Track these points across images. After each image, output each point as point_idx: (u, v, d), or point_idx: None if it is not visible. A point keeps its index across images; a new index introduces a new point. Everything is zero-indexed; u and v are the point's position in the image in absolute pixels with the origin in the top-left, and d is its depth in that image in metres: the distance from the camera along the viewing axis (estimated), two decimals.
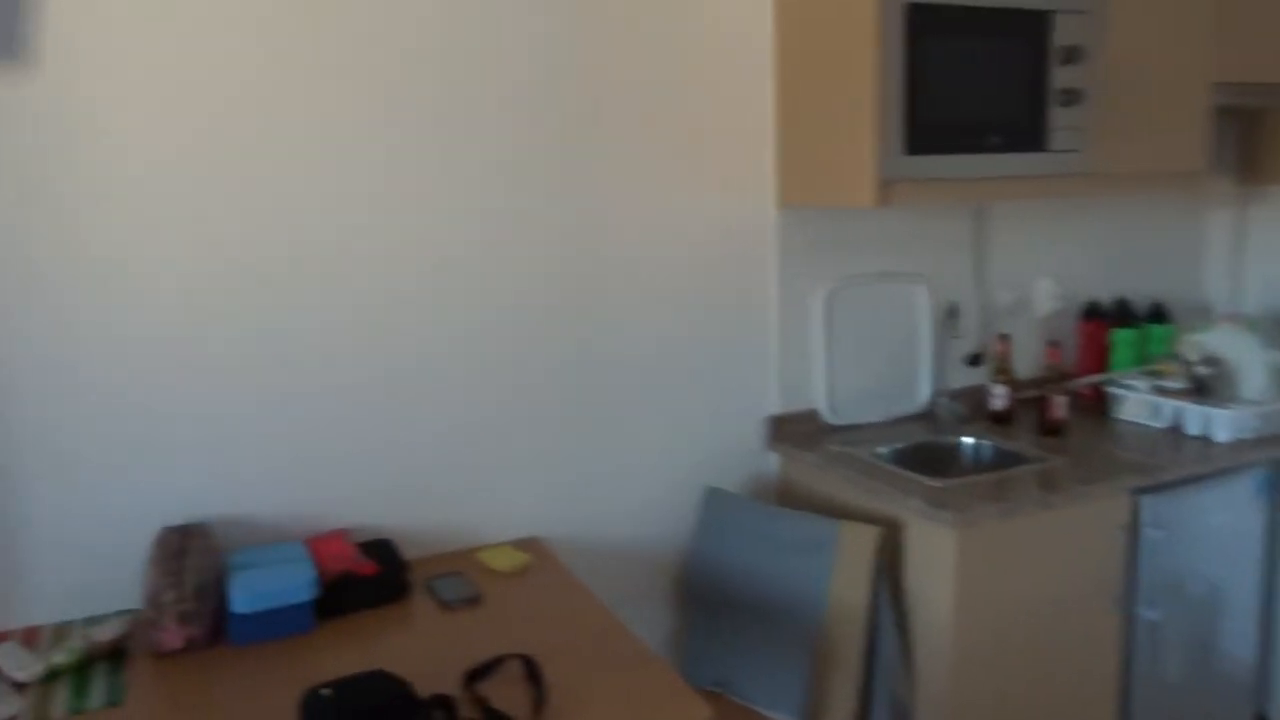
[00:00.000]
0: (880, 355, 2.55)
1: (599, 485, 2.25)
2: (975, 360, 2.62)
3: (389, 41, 1.93)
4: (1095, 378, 2.72)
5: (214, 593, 1.68)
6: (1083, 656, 2.15)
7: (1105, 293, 2.93)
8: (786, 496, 2.42)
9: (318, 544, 1.86)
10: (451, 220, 2.03)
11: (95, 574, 1.82)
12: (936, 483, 2.08)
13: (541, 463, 2.18)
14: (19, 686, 1.54)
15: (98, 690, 1.52)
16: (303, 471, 1.96)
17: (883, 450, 2.34)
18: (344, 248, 1.94)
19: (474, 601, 1.81)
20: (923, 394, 2.62)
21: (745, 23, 2.27)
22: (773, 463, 2.45)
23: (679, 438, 2.33)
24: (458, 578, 1.91)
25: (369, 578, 1.79)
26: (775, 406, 2.43)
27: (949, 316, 2.46)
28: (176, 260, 1.81)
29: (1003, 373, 2.53)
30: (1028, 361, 2.80)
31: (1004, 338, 2.54)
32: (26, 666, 1.57)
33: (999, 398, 2.53)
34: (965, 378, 2.68)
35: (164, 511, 1.85)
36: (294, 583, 1.68)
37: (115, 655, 1.64)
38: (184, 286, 1.82)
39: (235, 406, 1.88)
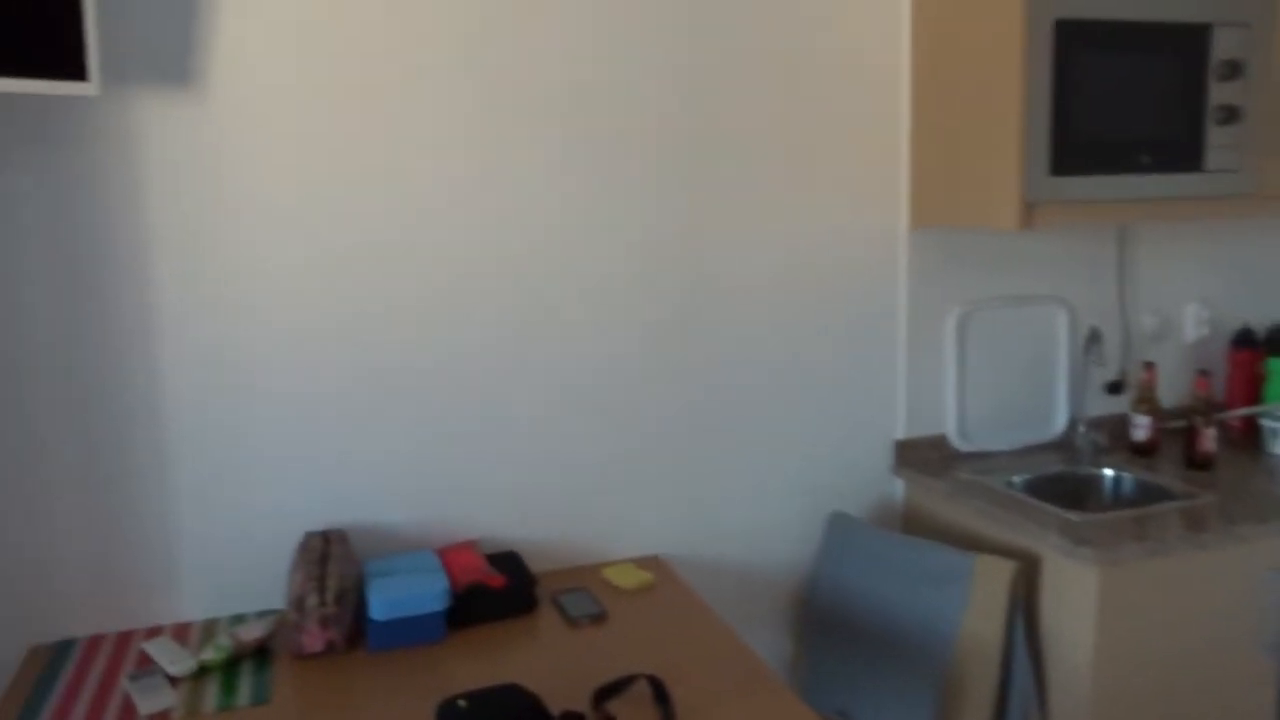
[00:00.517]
0: (1014, 380, 2.47)
1: (722, 505, 2.24)
2: (1116, 388, 2.50)
3: (534, 73, 1.97)
4: (1247, 410, 2.57)
5: (353, 599, 1.73)
6: (1231, 704, 2.02)
7: (1259, 319, 2.76)
8: (913, 524, 2.36)
9: (449, 554, 1.90)
10: (590, 244, 2.05)
11: (241, 574, 1.90)
12: (1075, 517, 2.00)
13: (666, 481, 2.18)
14: (172, 680, 1.62)
15: (245, 688, 1.59)
16: (436, 482, 2.01)
17: (1016, 479, 2.26)
18: (484, 271, 1.99)
19: (599, 618, 1.82)
20: (1059, 422, 2.52)
21: (880, 37, 2.23)
22: (899, 488, 2.40)
23: (803, 459, 2.30)
24: (583, 593, 1.92)
25: (498, 590, 1.82)
26: (902, 430, 2.37)
27: (1090, 342, 2.36)
28: (329, 276, 1.88)
29: (1146, 402, 2.41)
30: (1173, 391, 2.66)
31: (1148, 365, 2.42)
32: (179, 661, 1.66)
33: (1142, 428, 2.41)
34: (1105, 406, 2.56)
35: (307, 516, 1.93)
36: (428, 592, 1.72)
37: (260, 654, 1.71)
38: (335, 300, 1.89)
39: (376, 418, 1.95)
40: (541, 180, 2.01)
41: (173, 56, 1.76)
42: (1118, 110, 2.02)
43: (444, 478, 2.01)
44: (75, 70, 1.53)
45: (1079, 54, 1.96)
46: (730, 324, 2.19)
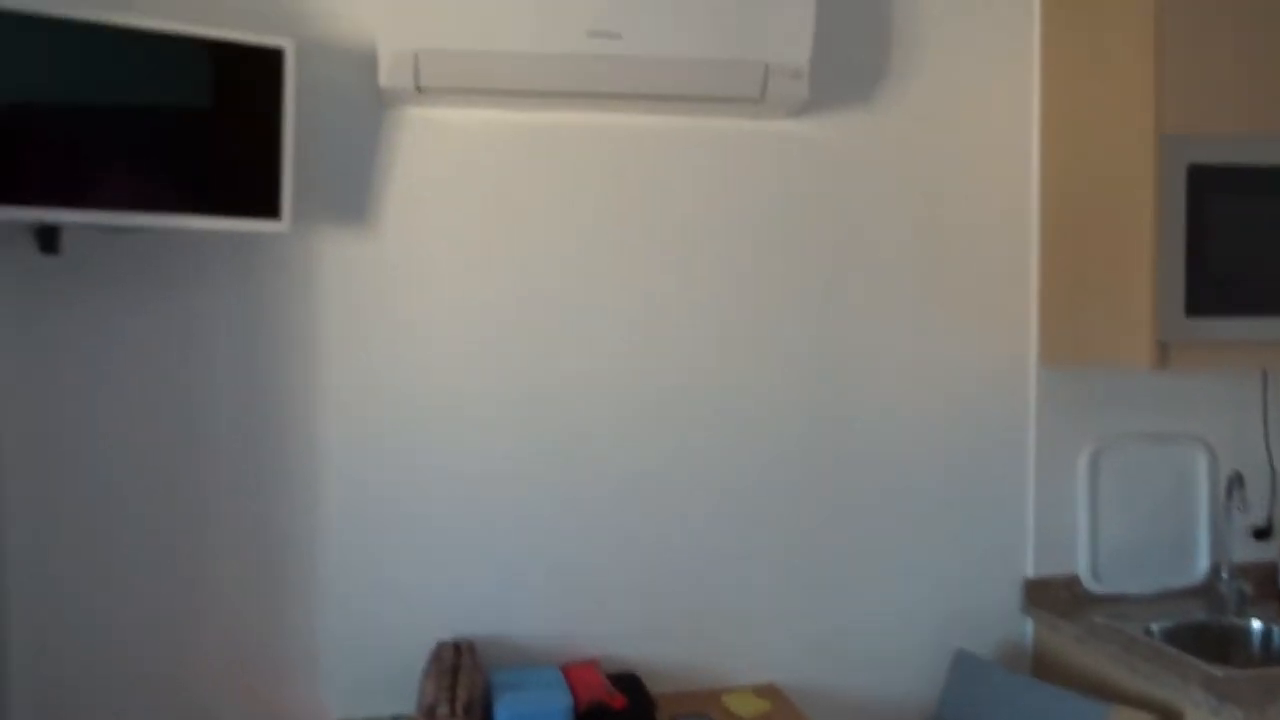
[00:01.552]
0: (1151, 520, 2.39)
1: (843, 636, 2.22)
2: (1263, 533, 2.39)
3: (681, 206, 2.11)
4: None
5: (480, 710, 1.79)
6: None
7: None
8: (1043, 667, 2.28)
9: (572, 671, 1.95)
10: (724, 372, 2.14)
11: (375, 678, 1.99)
12: (1220, 671, 1.90)
13: (786, 608, 2.19)
14: None
15: None
16: (562, 599, 2.07)
17: (1155, 627, 2.17)
18: (625, 401, 2.09)
19: None
20: (1200, 566, 2.42)
21: (1011, 172, 2.29)
22: (1028, 628, 2.33)
23: (927, 593, 2.27)
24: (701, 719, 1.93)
25: (619, 711, 1.84)
26: (1032, 567, 2.32)
27: (1233, 486, 2.28)
28: (471, 395, 2.02)
29: None
30: None
31: None
32: None
33: None
34: (1251, 552, 2.44)
35: (438, 626, 2.01)
36: (553, 707, 1.76)
37: None
38: (476, 420, 2.02)
39: (509, 538, 2.04)
40: (685, 310, 2.12)
41: (352, 198, 1.96)
42: (1255, 252, 2.00)
43: (571, 595, 2.07)
44: (270, 211, 1.73)
45: (1213, 197, 1.97)
46: (856, 451, 2.22)
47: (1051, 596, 2.31)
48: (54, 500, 1.84)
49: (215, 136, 1.68)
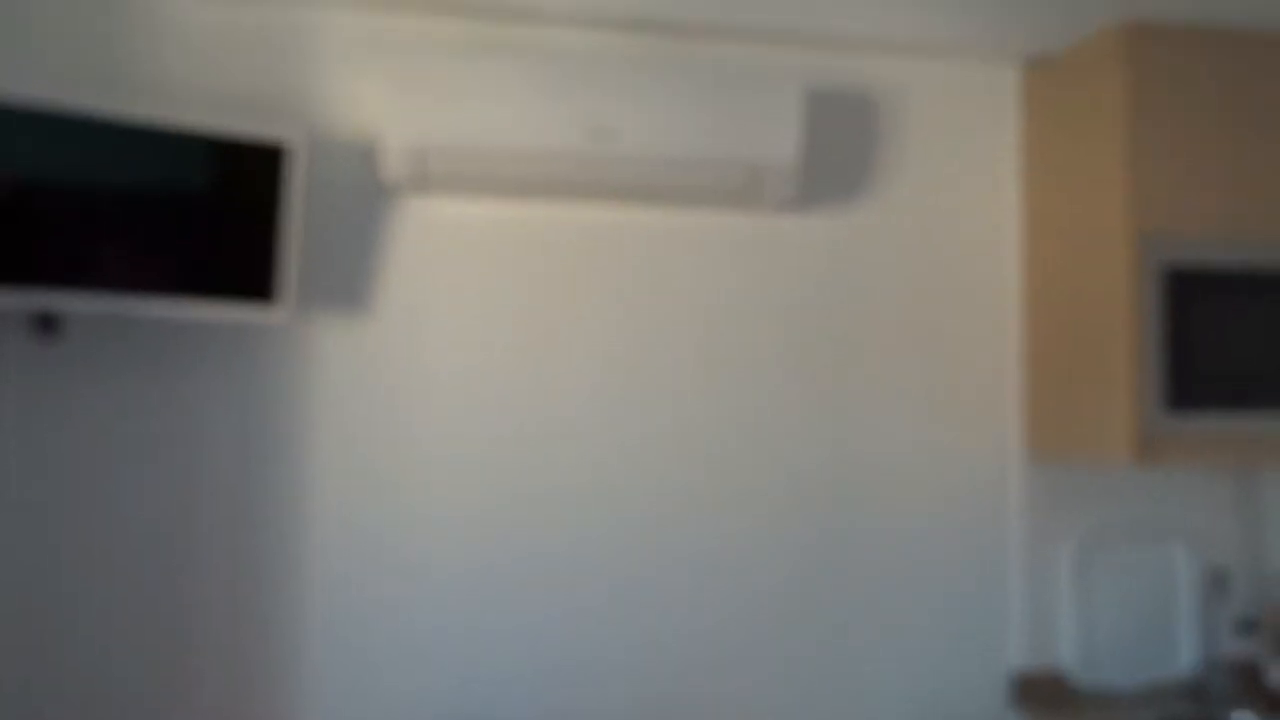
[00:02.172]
0: (1137, 614, 2.40)
1: None
2: (1247, 627, 2.40)
3: (683, 298, 2.15)
4: None
5: None
6: None
7: None
8: None
9: None
10: (704, 454, 2.16)
11: None
12: None
13: (768, 704, 2.17)
14: None
15: None
16: (548, 695, 2.05)
17: None
18: (620, 489, 2.11)
19: None
20: (1185, 659, 2.42)
21: (993, 268, 2.35)
22: None
23: (912, 689, 2.25)
24: None
25: None
26: (1017, 661, 2.31)
27: (1216, 580, 2.30)
28: (466, 487, 2.03)
29: None
30: None
31: None
32: None
33: (1278, 675, 2.30)
34: (1238, 645, 2.45)
35: (432, 707, 1.99)
36: None
37: None
38: (469, 514, 2.03)
39: (498, 634, 2.04)
40: (674, 401, 2.15)
41: (352, 286, 2.00)
42: (1232, 349, 2.05)
43: (559, 691, 2.05)
44: (270, 299, 1.76)
45: (1190, 296, 2.03)
46: (841, 544, 2.23)
47: (1038, 692, 2.30)
48: (38, 586, 1.82)
49: (219, 225, 1.72)
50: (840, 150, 2.28)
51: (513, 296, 2.08)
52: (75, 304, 1.62)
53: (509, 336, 2.07)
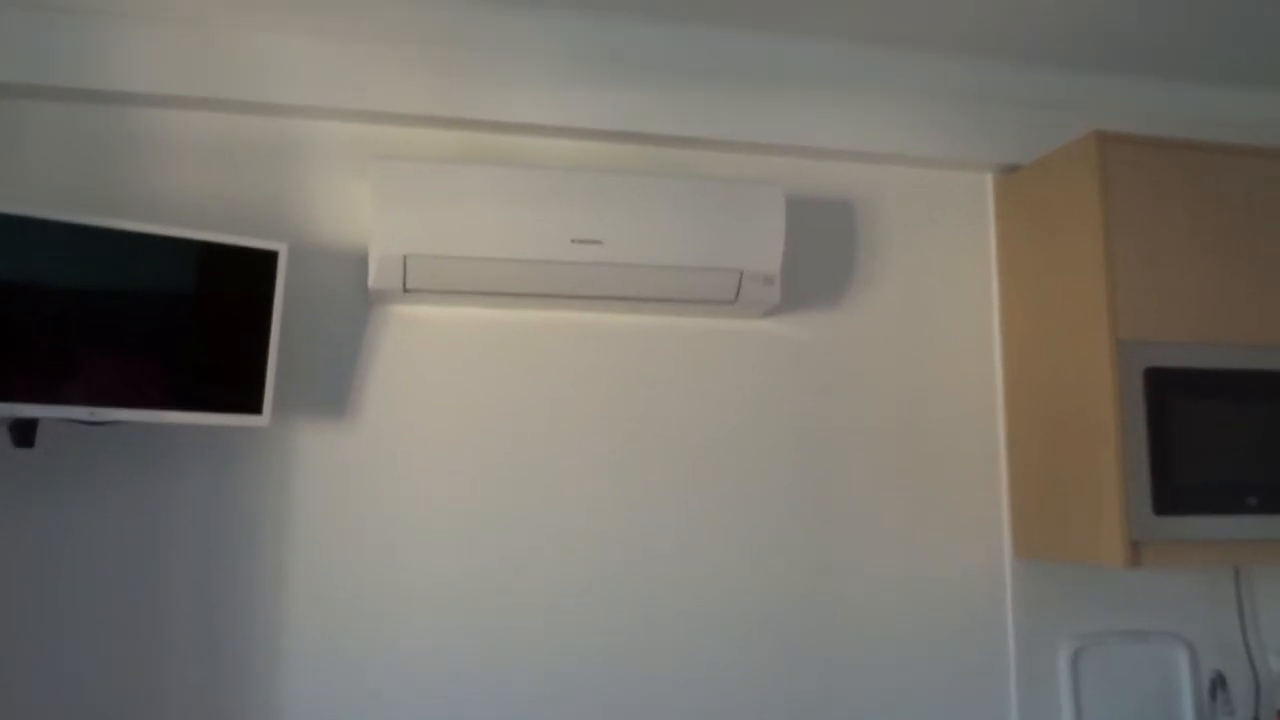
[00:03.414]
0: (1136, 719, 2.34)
1: None
2: None
3: (649, 395, 2.15)
4: None
5: None
6: None
7: None
8: None
9: None
10: (692, 555, 2.12)
11: None
12: None
13: None
14: None
15: None
16: None
17: None
18: (589, 582, 2.06)
19: None
20: None
21: (976, 371, 2.36)
22: None
23: None
24: None
25: None
26: None
27: (1215, 687, 2.25)
28: (444, 592, 1.98)
29: None
30: None
31: None
32: None
33: None
34: None
35: None
36: None
37: None
38: (447, 624, 1.98)
39: None
40: (659, 504, 2.12)
41: (333, 391, 1.99)
42: (1219, 452, 2.05)
43: None
44: (252, 406, 1.75)
45: (1173, 399, 2.03)
46: (829, 651, 2.17)
47: None
48: (11, 689, 1.76)
49: (203, 334, 1.72)
50: (821, 254, 2.31)
51: (494, 400, 2.07)
52: (54, 412, 1.60)
53: (489, 439, 2.05)
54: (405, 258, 1.84)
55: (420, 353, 2.04)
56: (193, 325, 1.71)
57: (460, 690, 1.97)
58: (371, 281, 1.88)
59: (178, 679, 1.84)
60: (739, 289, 2.01)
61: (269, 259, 1.78)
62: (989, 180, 2.45)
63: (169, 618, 1.85)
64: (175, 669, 1.84)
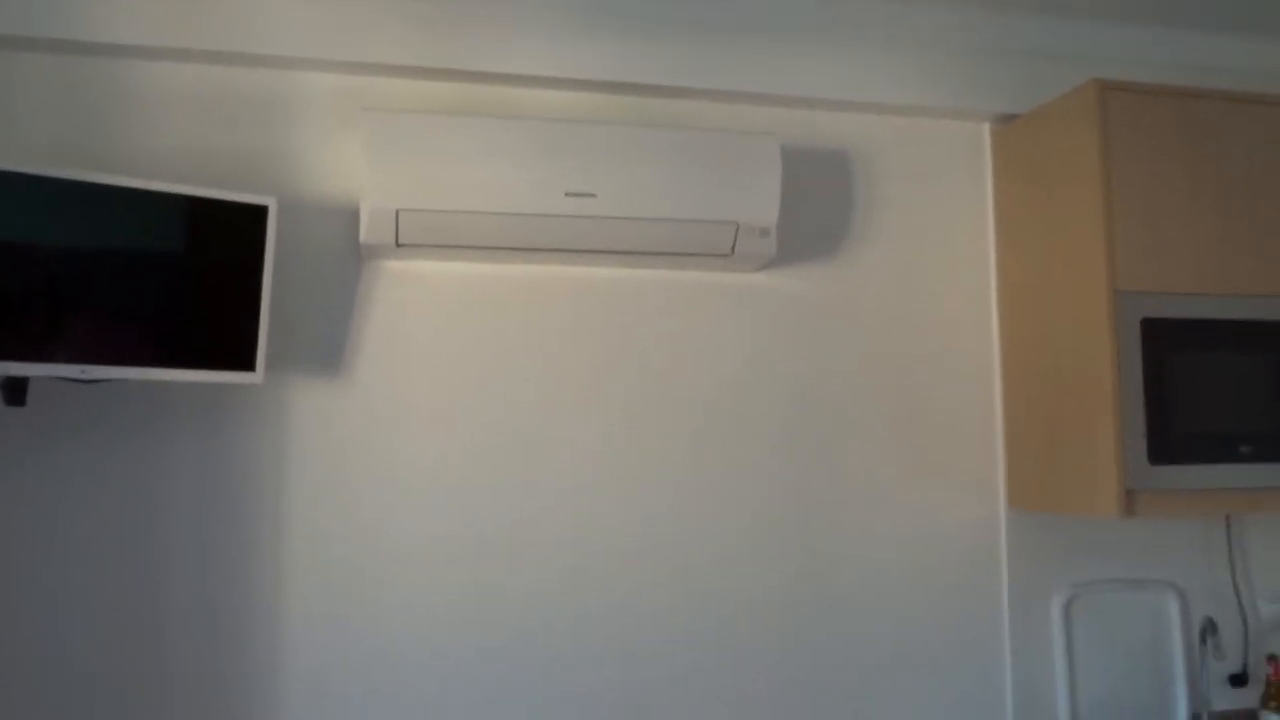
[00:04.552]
0: (1129, 668, 2.36)
1: None
2: (1239, 680, 2.38)
3: (643, 348, 2.14)
4: None
5: None
6: None
7: None
8: None
9: None
10: (686, 511, 2.13)
11: None
12: None
13: None
14: None
15: None
16: None
17: None
18: (582, 542, 2.07)
19: None
20: (1179, 715, 2.38)
21: (972, 325, 2.36)
22: None
23: None
24: None
25: None
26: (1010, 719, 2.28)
27: (1205, 633, 2.27)
28: (441, 552, 1.99)
29: (1276, 699, 2.28)
30: None
31: (1271, 659, 2.31)
32: None
33: None
34: (1231, 699, 2.42)
35: None
36: None
37: None
38: (445, 576, 1.99)
39: (476, 706, 1.98)
40: (653, 458, 2.12)
41: (327, 348, 1.97)
42: (1213, 401, 2.05)
43: None
44: (245, 363, 1.74)
45: (1169, 350, 2.03)
46: (825, 603, 2.19)
47: None
48: (6, 649, 1.77)
49: (194, 290, 1.70)
50: (817, 207, 2.29)
51: (488, 355, 2.06)
52: (45, 370, 1.59)
53: (484, 394, 2.05)
54: (397, 212, 1.82)
55: (413, 308, 2.03)
56: (183, 281, 1.69)
57: (456, 646, 1.98)
58: (363, 236, 1.86)
59: (175, 638, 1.85)
60: (735, 241, 1.99)
61: (259, 213, 1.76)
62: (986, 130, 2.43)
63: (164, 576, 1.85)
64: (172, 628, 1.85)
